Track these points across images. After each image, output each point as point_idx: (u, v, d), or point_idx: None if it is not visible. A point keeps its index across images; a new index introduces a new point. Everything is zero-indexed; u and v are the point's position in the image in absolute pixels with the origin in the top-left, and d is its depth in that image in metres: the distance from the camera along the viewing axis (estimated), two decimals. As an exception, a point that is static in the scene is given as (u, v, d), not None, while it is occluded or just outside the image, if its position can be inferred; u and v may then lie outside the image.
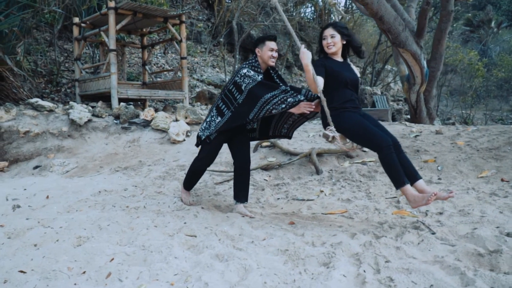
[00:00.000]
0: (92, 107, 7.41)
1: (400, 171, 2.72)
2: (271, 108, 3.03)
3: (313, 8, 18.84)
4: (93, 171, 5.34)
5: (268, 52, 3.22)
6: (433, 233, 2.66)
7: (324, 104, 2.90)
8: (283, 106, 3.01)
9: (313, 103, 3.05)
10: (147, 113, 6.67)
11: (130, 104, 8.76)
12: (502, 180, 3.99)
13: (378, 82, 16.30)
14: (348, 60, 3.24)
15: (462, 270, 2.09)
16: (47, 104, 6.50)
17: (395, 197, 3.69)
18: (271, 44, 3.22)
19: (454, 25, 20.31)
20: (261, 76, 3.15)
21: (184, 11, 8.39)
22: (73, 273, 2.30)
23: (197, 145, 3.51)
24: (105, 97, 7.86)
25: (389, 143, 2.74)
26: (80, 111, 6.42)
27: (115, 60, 7.37)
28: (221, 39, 14.00)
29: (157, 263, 2.38)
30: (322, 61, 3.00)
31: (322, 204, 3.72)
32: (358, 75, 3.19)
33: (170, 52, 12.69)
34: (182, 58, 8.40)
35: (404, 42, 6.02)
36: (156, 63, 12.05)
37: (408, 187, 2.71)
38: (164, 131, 6.42)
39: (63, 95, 8.83)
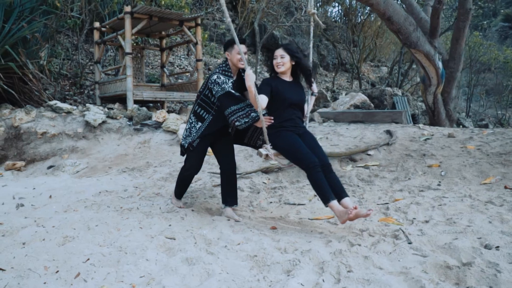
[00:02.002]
0: (110, 109, 7.67)
1: (326, 189, 2.88)
2: (235, 119, 3.08)
3: (339, 7, 18.60)
4: (102, 171, 5.52)
5: (237, 55, 3.23)
6: (410, 243, 2.59)
7: (263, 123, 3.02)
8: (246, 120, 3.09)
9: (272, 117, 3.12)
10: (159, 115, 6.81)
11: (150, 106, 9.00)
12: (505, 187, 3.80)
13: (406, 82, 15.85)
14: (309, 81, 3.30)
15: (423, 283, 2.03)
16: (65, 106, 6.78)
17: (387, 203, 3.60)
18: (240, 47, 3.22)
19: (485, 21, 19.43)
20: (231, 81, 3.19)
21: (201, 14, 8.50)
22: (48, 272, 2.40)
23: (182, 154, 3.56)
24: (123, 99, 8.10)
25: (316, 164, 2.90)
26: (95, 113, 6.66)
27: (130, 63, 7.58)
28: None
29: (126, 265, 2.44)
30: (269, 81, 3.17)
31: (311, 209, 3.69)
32: (316, 91, 3.34)
33: (193, 54, 12.88)
34: (197, 61, 8.53)
35: (415, 42, 5.84)
36: (179, 65, 12.27)
37: (334, 203, 2.86)
38: (174, 132, 6.54)
39: (85, 97, 9.17)
